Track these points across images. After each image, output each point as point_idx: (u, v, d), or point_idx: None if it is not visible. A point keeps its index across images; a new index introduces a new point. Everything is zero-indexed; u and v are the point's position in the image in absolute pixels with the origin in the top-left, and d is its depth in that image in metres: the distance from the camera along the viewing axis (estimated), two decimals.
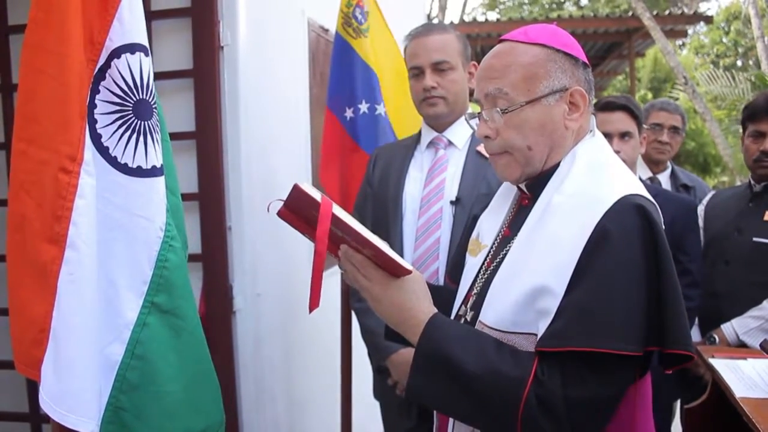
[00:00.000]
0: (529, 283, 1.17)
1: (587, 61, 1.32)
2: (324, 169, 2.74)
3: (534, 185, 1.31)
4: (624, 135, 2.42)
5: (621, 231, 1.12)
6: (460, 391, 1.15)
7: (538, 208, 1.25)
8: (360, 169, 2.60)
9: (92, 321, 1.40)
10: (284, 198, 1.22)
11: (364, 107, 2.65)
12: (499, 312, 1.22)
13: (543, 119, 1.26)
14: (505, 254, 1.28)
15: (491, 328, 1.22)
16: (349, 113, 2.66)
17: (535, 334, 1.16)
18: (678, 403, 2.90)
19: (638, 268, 1.11)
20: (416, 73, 2.20)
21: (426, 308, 1.24)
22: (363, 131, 2.66)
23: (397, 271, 1.23)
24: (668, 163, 3.25)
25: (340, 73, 2.68)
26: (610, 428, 1.18)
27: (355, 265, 1.24)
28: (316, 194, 1.17)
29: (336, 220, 1.17)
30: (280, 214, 1.26)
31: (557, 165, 1.28)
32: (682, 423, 2.60)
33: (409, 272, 1.23)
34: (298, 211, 1.24)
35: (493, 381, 1.13)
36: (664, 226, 1.18)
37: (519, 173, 1.30)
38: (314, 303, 1.19)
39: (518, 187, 1.38)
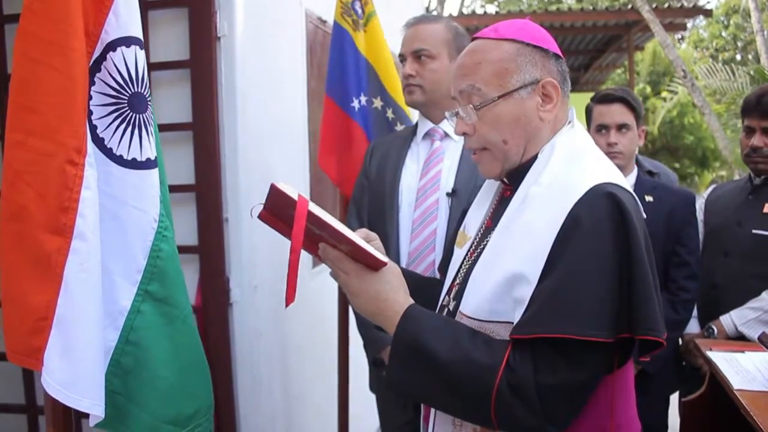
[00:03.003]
0: (505, 272, 1.18)
1: (560, 53, 1.33)
2: (324, 155, 2.72)
3: (514, 177, 1.33)
4: (621, 127, 2.42)
5: (591, 219, 1.13)
6: (435, 381, 1.17)
7: (517, 198, 1.26)
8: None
9: (99, 308, 1.43)
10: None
11: (363, 99, 2.65)
12: (477, 301, 1.23)
13: (516, 113, 1.27)
14: (486, 244, 1.30)
15: (470, 317, 1.24)
16: (356, 104, 2.65)
17: (513, 323, 1.16)
18: (676, 395, 2.91)
19: (608, 255, 1.12)
20: (401, 60, 2.23)
21: (402, 299, 1.25)
22: (367, 122, 2.67)
23: (374, 264, 1.24)
24: None
25: (341, 62, 2.66)
26: (589, 416, 1.19)
27: (333, 261, 1.26)
28: (293, 193, 1.18)
29: (312, 217, 1.18)
30: (261, 217, 1.28)
31: (536, 156, 1.29)
32: (679, 415, 2.61)
33: (384, 264, 1.24)
34: (277, 211, 1.25)
35: (466, 369, 1.14)
36: (640, 217, 1.19)
37: (499, 169, 1.33)
38: (290, 298, 1.21)
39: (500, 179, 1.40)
